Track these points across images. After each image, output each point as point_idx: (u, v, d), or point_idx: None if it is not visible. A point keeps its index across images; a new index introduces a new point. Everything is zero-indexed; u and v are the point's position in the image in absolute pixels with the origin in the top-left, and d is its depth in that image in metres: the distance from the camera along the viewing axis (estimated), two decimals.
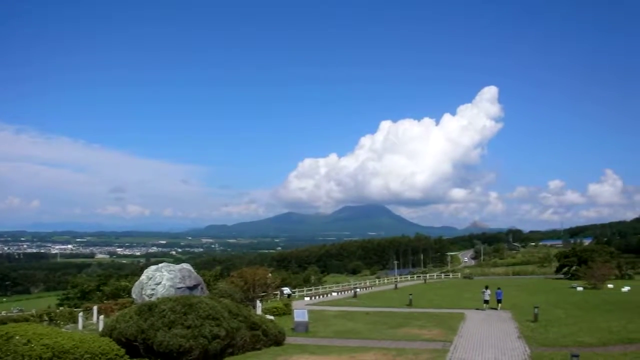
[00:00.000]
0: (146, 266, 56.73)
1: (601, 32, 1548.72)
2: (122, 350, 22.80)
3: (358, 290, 78.08)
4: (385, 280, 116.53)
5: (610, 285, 76.15)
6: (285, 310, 45.28)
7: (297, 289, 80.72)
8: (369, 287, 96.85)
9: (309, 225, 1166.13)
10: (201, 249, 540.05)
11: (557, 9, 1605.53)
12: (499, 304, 49.83)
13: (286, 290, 72.82)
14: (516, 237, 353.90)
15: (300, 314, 34.94)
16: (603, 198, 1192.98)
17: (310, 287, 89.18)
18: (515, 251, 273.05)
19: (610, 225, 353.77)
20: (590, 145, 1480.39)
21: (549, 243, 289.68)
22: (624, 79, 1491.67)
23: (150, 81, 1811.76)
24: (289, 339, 29.53)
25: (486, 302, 49.89)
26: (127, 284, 60.26)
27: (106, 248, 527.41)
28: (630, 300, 53.94)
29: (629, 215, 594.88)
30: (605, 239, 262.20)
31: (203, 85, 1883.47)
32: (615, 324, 34.10)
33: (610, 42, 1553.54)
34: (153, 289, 33.38)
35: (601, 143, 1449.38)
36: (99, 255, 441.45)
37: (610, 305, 49.25)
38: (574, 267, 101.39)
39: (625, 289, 70.29)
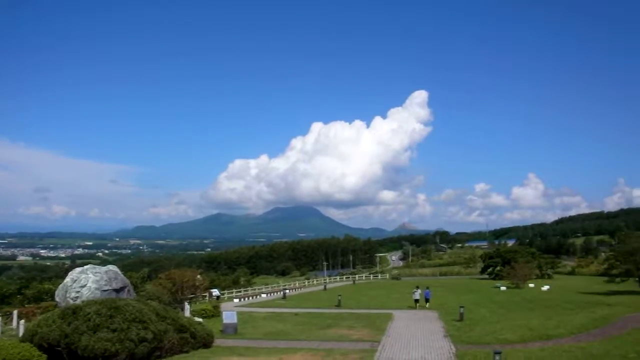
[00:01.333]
0: (71, 268, 55.16)
1: (527, 35, 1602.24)
2: (44, 356, 22.20)
3: (287, 291, 78.15)
4: (315, 282, 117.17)
5: (531, 285, 78.96)
6: (214, 312, 44.92)
7: (226, 291, 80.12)
8: (298, 288, 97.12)
9: (238, 226, 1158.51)
10: (129, 251, 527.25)
11: (486, 13, 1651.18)
12: (427, 303, 52.24)
13: (215, 292, 72.21)
14: (443, 238, 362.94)
15: (229, 315, 34.79)
16: (526, 201, 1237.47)
17: (240, 288, 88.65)
18: (442, 252, 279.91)
19: (532, 227, 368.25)
20: (515, 150, 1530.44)
21: (474, 244, 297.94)
22: (548, 85, 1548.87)
23: (77, 79, 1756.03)
24: (218, 341, 29.34)
25: (416, 301, 52.14)
26: (51, 286, 58.28)
27: (29, 250, 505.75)
28: (549, 299, 56.21)
29: (549, 218, 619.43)
30: (528, 240, 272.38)
31: (132, 84, 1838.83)
32: (535, 322, 35.51)
33: (536, 47, 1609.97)
34: (78, 292, 32.49)
35: (524, 148, 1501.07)
36: (21, 257, 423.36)
37: (531, 304, 51.25)
38: (498, 268, 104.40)
39: (545, 288, 73.09)
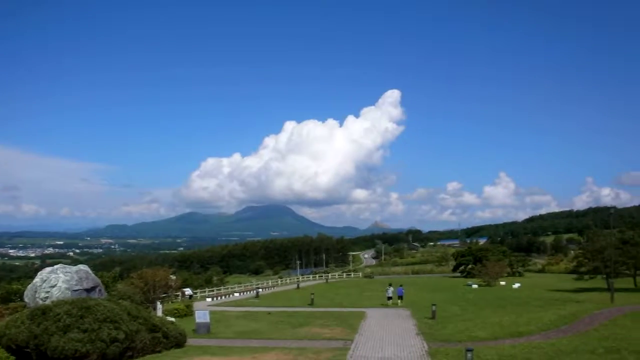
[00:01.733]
0: (41, 268, 54.23)
1: (497, 36, 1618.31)
2: (12, 358, 21.93)
3: (260, 290, 78.09)
4: (288, 280, 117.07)
5: (502, 283, 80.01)
6: (187, 312, 44.76)
7: (199, 290, 79.74)
8: (271, 287, 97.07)
9: (211, 225, 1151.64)
10: (100, 250, 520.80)
11: (460, 13, 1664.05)
12: (400, 300, 53.02)
13: (188, 291, 71.84)
14: (416, 237, 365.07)
15: (201, 315, 34.63)
16: (497, 200, 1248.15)
17: (213, 287, 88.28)
18: (414, 251, 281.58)
19: (504, 225, 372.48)
20: (486, 149, 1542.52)
21: (447, 243, 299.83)
22: (518, 86, 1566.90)
23: (46, 74, 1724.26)
24: (191, 341, 29.19)
25: (389, 298, 53.25)
26: (20, 287, 57.27)
27: None
28: (520, 296, 56.95)
29: (520, 216, 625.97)
30: (499, 238, 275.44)
31: (104, 83, 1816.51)
32: (506, 319, 35.94)
33: (505, 47, 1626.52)
34: (47, 292, 31.98)
35: (496, 147, 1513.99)
36: None
37: (502, 301, 51.84)
38: (469, 266, 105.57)
39: (516, 285, 74.12)
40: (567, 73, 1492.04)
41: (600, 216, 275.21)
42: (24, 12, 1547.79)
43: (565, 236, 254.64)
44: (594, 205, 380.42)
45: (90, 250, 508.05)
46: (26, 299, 33.74)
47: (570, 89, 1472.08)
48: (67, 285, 32.67)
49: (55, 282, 32.65)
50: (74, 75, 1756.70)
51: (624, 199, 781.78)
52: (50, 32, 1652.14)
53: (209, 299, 68.42)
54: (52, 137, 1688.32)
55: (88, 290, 33.51)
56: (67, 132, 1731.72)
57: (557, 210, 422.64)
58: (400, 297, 53.62)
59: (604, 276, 62.46)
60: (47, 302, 28.81)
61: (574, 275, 76.74)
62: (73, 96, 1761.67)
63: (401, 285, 57.36)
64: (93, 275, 36.52)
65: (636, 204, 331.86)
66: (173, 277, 61.19)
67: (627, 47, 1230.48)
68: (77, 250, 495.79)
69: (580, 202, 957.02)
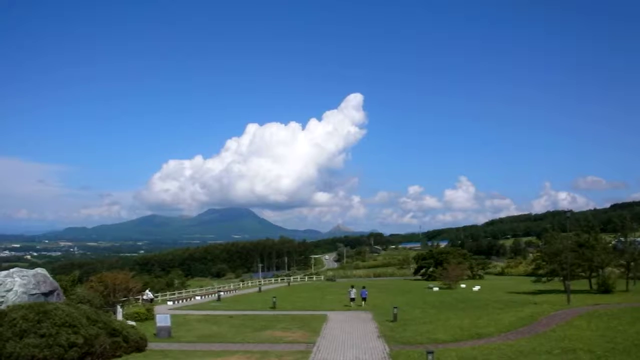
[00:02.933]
0: None
1: (457, 37, 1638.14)
2: None
3: (222, 293, 77.54)
4: (250, 283, 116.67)
5: (463, 285, 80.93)
6: (148, 316, 44.12)
7: (159, 294, 78.85)
8: (233, 290, 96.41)
9: (172, 228, 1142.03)
10: (59, 253, 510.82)
11: (421, 16, 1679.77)
12: (364, 302, 54.34)
13: (148, 294, 70.99)
14: (377, 240, 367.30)
15: (162, 318, 34.23)
16: (458, 203, 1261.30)
17: (174, 291, 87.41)
18: (376, 254, 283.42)
19: (464, 228, 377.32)
20: (446, 153, 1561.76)
21: (408, 246, 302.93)
22: (478, 89, 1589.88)
23: (2, 74, 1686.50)
24: (151, 345, 28.85)
25: (352, 299, 55.13)
26: None
27: None
28: (480, 299, 57.73)
29: (481, 220, 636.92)
30: (459, 241, 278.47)
31: (60, 81, 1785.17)
32: (467, 321, 36.37)
33: (464, 50, 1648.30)
34: (3, 297, 31.27)
35: (456, 152, 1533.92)
36: None
37: (463, 304, 52.50)
38: (430, 269, 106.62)
39: (476, 288, 75.12)
40: (522, 77, 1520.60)
41: (558, 220, 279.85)
42: None
43: (524, 239, 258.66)
44: (551, 209, 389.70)
45: (49, 254, 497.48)
46: None
47: (528, 93, 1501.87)
48: (24, 289, 31.97)
49: (12, 286, 31.91)
50: (29, 73, 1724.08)
51: (580, 203, 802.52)
52: (9, 33, 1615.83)
53: (170, 303, 67.65)
54: (6, 136, 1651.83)
55: (46, 295, 32.86)
56: (23, 132, 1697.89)
57: (516, 213, 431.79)
58: (364, 299, 54.93)
59: (561, 278, 63.58)
60: (3, 306, 28.18)
61: (533, 278, 77.98)
62: (29, 97, 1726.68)
63: (364, 287, 58.43)
64: (51, 278, 35.82)
65: (592, 207, 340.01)
66: (135, 282, 60.45)
67: (587, 49, 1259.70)
68: (35, 254, 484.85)
69: (539, 206, 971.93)
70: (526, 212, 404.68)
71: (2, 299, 31.05)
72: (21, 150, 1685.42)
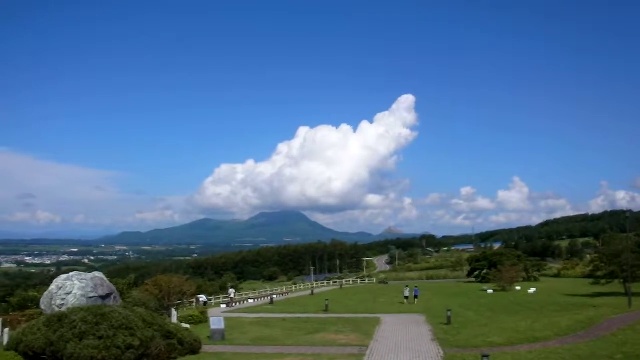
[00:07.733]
0: (56, 275, 54.43)
1: (514, 41, 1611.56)
2: None
3: (275, 296, 77.97)
4: (302, 286, 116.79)
5: (517, 287, 79.34)
6: (202, 318, 44.72)
7: (213, 297, 79.78)
8: (285, 293, 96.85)
9: (225, 231, 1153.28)
10: (115, 257, 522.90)
11: (476, 19, 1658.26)
12: (416, 300, 61.05)
13: (202, 297, 71.87)
14: (430, 242, 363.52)
15: (216, 321, 34.58)
16: (511, 204, 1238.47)
17: (227, 294, 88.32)
18: (429, 256, 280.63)
19: (518, 230, 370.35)
20: (499, 154, 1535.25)
21: (461, 248, 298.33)
22: (531, 91, 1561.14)
23: (62, 81, 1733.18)
24: (206, 347, 29.18)
25: (406, 297, 61.73)
26: (36, 294, 57.58)
27: (13, 257, 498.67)
28: (536, 301, 56.58)
29: (535, 221, 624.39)
30: (513, 243, 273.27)
31: (118, 90, 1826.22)
32: (522, 324, 35.66)
33: (522, 52, 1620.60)
34: (63, 299, 32.17)
35: (510, 152, 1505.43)
36: (5, 265, 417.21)
37: (518, 307, 51.55)
38: (484, 271, 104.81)
39: (532, 290, 73.59)
40: (582, 77, 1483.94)
41: (616, 220, 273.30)
42: (41, 11, 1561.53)
43: (581, 240, 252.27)
44: (609, 209, 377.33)
45: (105, 258, 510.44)
46: (42, 306, 33.96)
47: (585, 93, 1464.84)
48: (83, 292, 32.85)
49: (71, 289, 32.84)
50: (89, 85, 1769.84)
51: None
52: (64, 34, 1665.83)
53: (223, 306, 68.42)
54: (66, 144, 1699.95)
55: (103, 297, 33.68)
56: (82, 140, 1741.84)
57: (572, 214, 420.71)
58: (416, 297, 61.43)
59: (621, 280, 61.84)
60: (63, 309, 28.99)
61: (590, 280, 76.09)
62: (87, 105, 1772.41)
63: (416, 286, 65.49)
64: (108, 282, 36.70)
65: None
66: (189, 285, 61.27)
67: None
68: (92, 258, 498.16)
69: (596, 206, 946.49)
70: (582, 212, 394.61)
71: (63, 302, 31.95)
72: (80, 158, 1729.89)
